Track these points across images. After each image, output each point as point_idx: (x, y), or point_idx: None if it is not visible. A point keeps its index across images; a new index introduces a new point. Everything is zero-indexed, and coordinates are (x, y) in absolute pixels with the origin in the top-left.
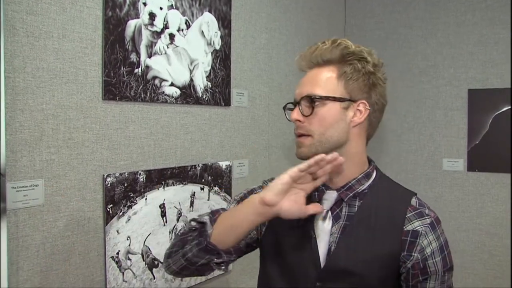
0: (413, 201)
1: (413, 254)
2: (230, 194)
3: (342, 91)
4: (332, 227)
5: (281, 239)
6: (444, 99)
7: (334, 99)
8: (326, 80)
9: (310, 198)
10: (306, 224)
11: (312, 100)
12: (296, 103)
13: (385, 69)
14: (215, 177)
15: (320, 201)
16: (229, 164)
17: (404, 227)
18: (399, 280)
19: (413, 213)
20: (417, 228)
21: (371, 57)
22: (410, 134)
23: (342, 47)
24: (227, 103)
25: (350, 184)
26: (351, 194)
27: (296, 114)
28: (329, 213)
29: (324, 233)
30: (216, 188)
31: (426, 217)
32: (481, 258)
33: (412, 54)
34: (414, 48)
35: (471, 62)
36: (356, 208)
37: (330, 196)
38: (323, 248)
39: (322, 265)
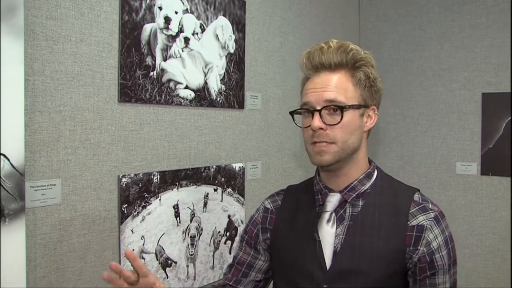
0: (416, 196)
1: (419, 248)
2: (243, 196)
3: (358, 97)
4: (337, 228)
5: (285, 245)
6: (458, 103)
7: (356, 107)
8: (345, 87)
9: (314, 202)
10: (310, 228)
11: (342, 109)
12: (315, 110)
13: (399, 72)
14: (228, 179)
15: (323, 203)
16: (242, 166)
17: (409, 222)
18: (406, 276)
19: (416, 208)
20: (422, 222)
21: (373, 62)
22: (424, 138)
23: (353, 52)
24: (241, 105)
25: (352, 185)
26: (354, 195)
27: (318, 122)
28: (333, 215)
29: (329, 235)
30: (229, 190)
31: (430, 212)
32: (494, 262)
33: (426, 57)
34: (427, 51)
35: (485, 66)
36: (359, 208)
37: (333, 198)
38: (329, 250)
39: (328, 267)
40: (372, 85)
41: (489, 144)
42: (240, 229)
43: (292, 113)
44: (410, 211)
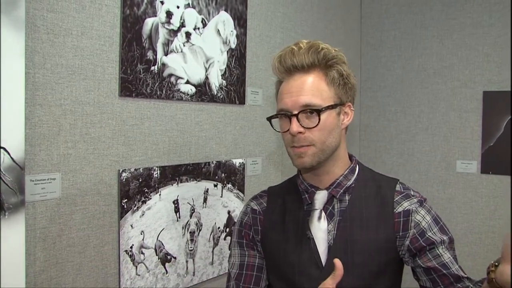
0: (398, 186)
1: (409, 231)
2: (243, 192)
3: (333, 96)
4: (328, 225)
5: (277, 246)
6: (459, 101)
7: (332, 107)
8: (320, 88)
9: (301, 202)
10: (301, 227)
11: (318, 112)
12: (292, 115)
13: (400, 70)
14: (228, 174)
15: (311, 202)
16: (242, 162)
17: (395, 210)
18: (400, 264)
19: (400, 196)
20: (407, 207)
21: (345, 58)
22: (424, 135)
23: (324, 51)
24: (242, 101)
25: (338, 181)
26: (341, 190)
27: (297, 127)
28: (322, 212)
29: (322, 232)
30: (229, 185)
31: (413, 197)
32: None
33: (427, 54)
34: (429, 48)
35: (487, 64)
36: (347, 203)
37: (321, 196)
38: (323, 247)
39: (324, 264)
40: (346, 82)
41: (490, 142)
42: None
43: (269, 119)
44: (395, 200)
